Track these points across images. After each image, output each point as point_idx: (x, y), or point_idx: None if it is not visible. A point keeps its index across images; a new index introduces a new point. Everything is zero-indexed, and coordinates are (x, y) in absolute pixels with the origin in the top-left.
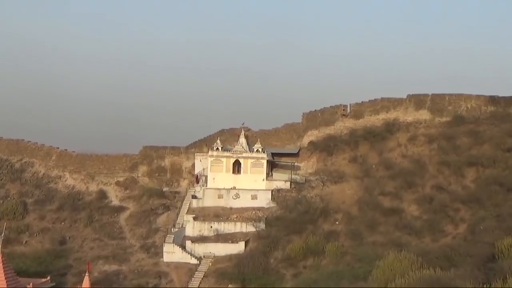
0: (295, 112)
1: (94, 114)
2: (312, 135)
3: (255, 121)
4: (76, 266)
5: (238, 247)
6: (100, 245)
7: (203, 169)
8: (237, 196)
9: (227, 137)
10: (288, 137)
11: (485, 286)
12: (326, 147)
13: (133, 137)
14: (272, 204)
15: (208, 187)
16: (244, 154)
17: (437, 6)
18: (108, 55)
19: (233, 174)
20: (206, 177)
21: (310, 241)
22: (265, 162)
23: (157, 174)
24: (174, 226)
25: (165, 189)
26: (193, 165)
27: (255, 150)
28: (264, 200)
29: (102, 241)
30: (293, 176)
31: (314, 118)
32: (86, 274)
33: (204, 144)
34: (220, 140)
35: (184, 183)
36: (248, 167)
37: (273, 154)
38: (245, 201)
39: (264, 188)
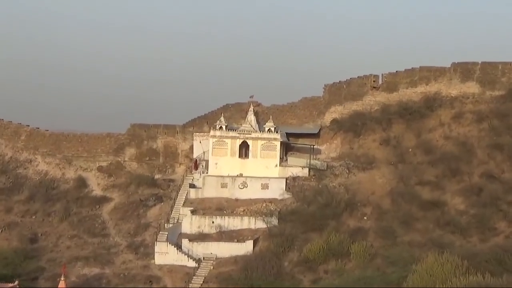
0: (315, 84)
1: (72, 85)
2: (335, 112)
3: (267, 95)
4: (50, 269)
5: (245, 247)
6: (79, 244)
7: (203, 152)
8: (244, 185)
9: (233, 113)
10: (307, 114)
11: None
12: (352, 126)
13: (119, 113)
14: (287, 195)
15: (209, 174)
16: (253, 135)
17: None
18: (89, 15)
19: (239, 159)
20: (207, 162)
21: (333, 240)
22: (278, 144)
23: (147, 158)
24: (168, 221)
25: (157, 176)
26: (191, 148)
27: (266, 129)
28: (276, 190)
29: (81, 239)
30: (312, 162)
31: (338, 91)
32: (62, 279)
33: (204, 122)
34: (224, 117)
35: (180, 170)
36: (257, 150)
37: (288, 135)
38: (254, 191)
39: (277, 176)
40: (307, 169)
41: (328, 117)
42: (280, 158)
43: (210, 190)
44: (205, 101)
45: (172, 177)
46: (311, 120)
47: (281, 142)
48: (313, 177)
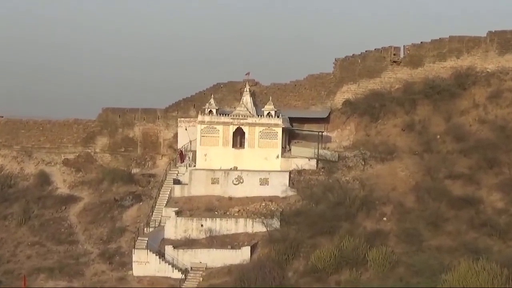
0: (323, 59)
1: (31, 62)
2: (348, 92)
3: (266, 72)
4: (7, 283)
5: (241, 255)
6: (41, 253)
7: (190, 141)
8: (239, 180)
9: (225, 94)
10: (314, 94)
11: None
12: (368, 108)
13: (88, 96)
14: (291, 192)
15: (197, 167)
16: (249, 120)
17: None
18: None
19: (233, 149)
20: (194, 153)
21: (346, 245)
22: (280, 130)
23: (123, 149)
24: (148, 224)
25: (134, 170)
26: (176, 136)
27: (265, 113)
28: (278, 186)
29: (43, 247)
30: (320, 152)
31: (351, 67)
32: None
33: (191, 105)
34: (214, 99)
35: (162, 162)
36: (255, 139)
37: (292, 120)
38: (251, 188)
39: (279, 169)
40: (315, 160)
41: (339, 98)
42: (282, 147)
43: (198, 187)
44: (192, 80)
45: (153, 171)
46: (319, 102)
47: (283, 128)
48: (322, 170)
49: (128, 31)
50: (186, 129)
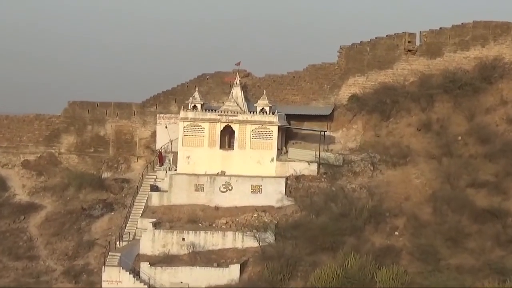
0: (326, 47)
1: None
2: (355, 85)
3: (259, 61)
4: None
5: (229, 274)
6: None
7: (171, 141)
8: (227, 187)
9: (212, 87)
10: (315, 87)
11: None
12: (379, 104)
13: (53, 88)
14: (287, 202)
15: (178, 171)
16: (239, 117)
17: None
18: None
19: (221, 150)
20: (175, 154)
21: (351, 264)
22: (275, 129)
23: (92, 150)
24: (120, 237)
25: (106, 174)
26: (154, 135)
27: (258, 109)
28: (273, 195)
29: None
30: (322, 154)
31: (359, 57)
32: None
33: (172, 99)
34: (199, 92)
35: (138, 165)
36: (246, 139)
37: (289, 117)
38: (241, 196)
39: (274, 175)
40: (316, 165)
41: (345, 92)
42: (278, 149)
43: (179, 195)
44: (173, 70)
45: (127, 176)
46: (321, 97)
47: (279, 127)
48: (324, 176)
49: (101, 13)
50: (166, 127)
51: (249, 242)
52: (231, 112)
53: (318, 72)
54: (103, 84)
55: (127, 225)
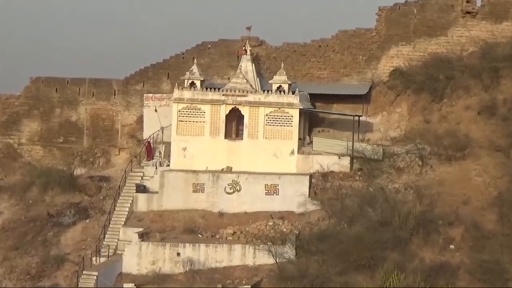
0: (361, 7)
1: None
2: (399, 56)
3: (275, 26)
4: None
5: None
6: None
7: (162, 128)
8: (235, 187)
9: (215, 59)
10: (347, 60)
11: None
12: (429, 82)
13: (10, 60)
14: (312, 206)
15: (172, 167)
16: (250, 97)
17: None
18: None
19: (226, 140)
20: (167, 145)
21: (394, 285)
22: (296, 113)
23: (61, 140)
24: (98, 252)
25: (79, 171)
26: (140, 120)
27: (274, 87)
28: (293, 197)
29: None
30: (357, 146)
31: (403, 20)
32: None
33: (163, 74)
34: (199, 65)
35: (119, 159)
36: (259, 125)
37: (315, 97)
38: (252, 199)
39: (295, 171)
40: (348, 158)
41: (385, 66)
42: (300, 139)
43: (173, 197)
44: (164, 36)
45: (106, 172)
46: (354, 72)
47: (301, 110)
48: (359, 172)
49: None
50: (156, 110)
51: (262, 258)
52: (239, 91)
53: (351, 40)
54: (75, 57)
55: (106, 236)
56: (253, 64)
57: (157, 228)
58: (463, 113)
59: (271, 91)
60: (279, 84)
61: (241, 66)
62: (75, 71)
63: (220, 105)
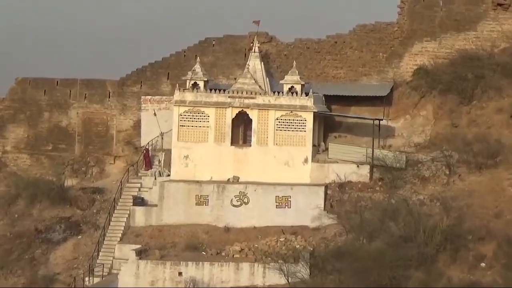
0: (381, 3)
1: None
2: (423, 54)
3: (286, 20)
4: None
5: None
6: None
7: (162, 134)
8: (242, 199)
9: (220, 57)
10: (367, 57)
11: None
12: (456, 81)
13: None
14: (327, 220)
15: (172, 177)
16: (259, 99)
17: None
18: None
19: (233, 147)
20: (167, 153)
21: None
22: (310, 117)
23: (50, 148)
24: (91, 271)
25: (70, 182)
26: (137, 125)
27: (286, 88)
28: (307, 210)
29: None
30: (377, 153)
31: (428, 14)
32: None
33: (163, 74)
34: (202, 64)
35: (115, 169)
36: (269, 131)
37: (330, 99)
38: (262, 212)
39: (308, 182)
40: (368, 167)
41: (408, 64)
42: (314, 145)
43: (174, 210)
44: (163, 32)
45: (100, 183)
46: (374, 71)
47: (315, 113)
48: (380, 182)
49: None
50: (154, 114)
51: (273, 277)
52: (246, 93)
53: (370, 36)
54: (65, 55)
55: (101, 253)
56: (262, 63)
57: (156, 245)
58: (495, 116)
59: (282, 92)
60: (291, 85)
61: (248, 64)
62: (65, 71)
63: (225, 108)
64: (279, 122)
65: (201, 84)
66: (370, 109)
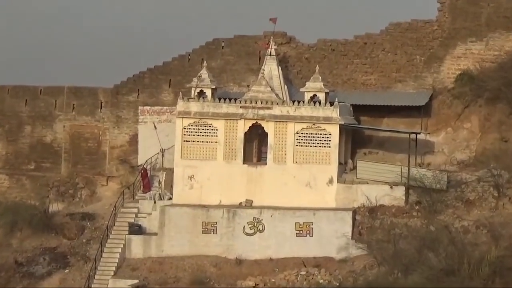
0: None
1: None
2: (467, 56)
3: (307, 18)
4: None
5: None
6: None
7: (162, 151)
8: (256, 227)
9: (230, 60)
10: (401, 61)
11: None
12: (506, 88)
13: None
14: (356, 250)
15: (175, 201)
16: (276, 109)
17: None
18: None
19: (245, 166)
20: (169, 173)
21: None
22: (335, 131)
23: (32, 167)
24: None
25: (55, 207)
26: (134, 140)
27: (307, 97)
28: (332, 239)
29: None
30: (413, 172)
31: (473, 10)
32: None
33: (163, 80)
34: (209, 69)
35: (107, 191)
36: (287, 146)
37: (359, 110)
38: (279, 242)
39: (334, 206)
40: (403, 188)
41: (450, 69)
42: (341, 163)
43: (177, 240)
44: (165, 32)
45: (90, 208)
46: (410, 76)
47: (342, 126)
48: (417, 207)
49: None
50: (154, 127)
51: None
52: (261, 102)
53: (406, 36)
54: (50, 59)
55: None
56: (280, 67)
57: (156, 280)
58: None
59: (303, 101)
60: (313, 93)
61: (264, 69)
62: (51, 77)
63: (237, 120)
64: (300, 136)
65: (208, 92)
66: (406, 121)
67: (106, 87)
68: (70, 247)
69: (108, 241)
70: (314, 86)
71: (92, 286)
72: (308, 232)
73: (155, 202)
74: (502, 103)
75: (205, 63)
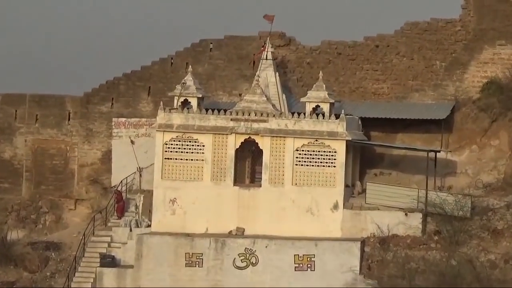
0: None
1: None
2: (495, 62)
3: (308, 17)
4: None
5: None
6: None
7: (140, 170)
8: (249, 258)
9: (219, 65)
10: (418, 67)
11: None
12: None
13: None
14: (363, 286)
15: (154, 229)
16: (273, 122)
17: None
18: None
19: (236, 188)
20: (148, 196)
21: None
22: (342, 148)
23: None
24: None
25: (14, 234)
26: (107, 157)
27: (309, 108)
28: (336, 274)
29: None
30: (432, 196)
31: (502, 8)
32: None
33: (141, 88)
34: (195, 75)
35: (76, 217)
36: (285, 166)
37: (369, 123)
38: (276, 277)
39: (339, 235)
40: (419, 215)
41: (475, 76)
42: (347, 186)
43: (156, 273)
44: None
45: (56, 236)
46: (428, 85)
47: (349, 143)
48: (436, 237)
49: None
50: (132, 142)
51: None
52: (256, 114)
53: (424, 38)
54: (12, 64)
55: None
56: (277, 74)
57: None
58: None
59: (304, 114)
60: (316, 104)
61: (258, 76)
62: (10, 84)
63: (227, 134)
64: (300, 154)
65: (193, 102)
66: (423, 137)
67: (74, 96)
68: (32, 281)
69: (76, 274)
70: (317, 95)
71: None
72: (309, 265)
73: (131, 230)
74: None
75: (190, 68)
